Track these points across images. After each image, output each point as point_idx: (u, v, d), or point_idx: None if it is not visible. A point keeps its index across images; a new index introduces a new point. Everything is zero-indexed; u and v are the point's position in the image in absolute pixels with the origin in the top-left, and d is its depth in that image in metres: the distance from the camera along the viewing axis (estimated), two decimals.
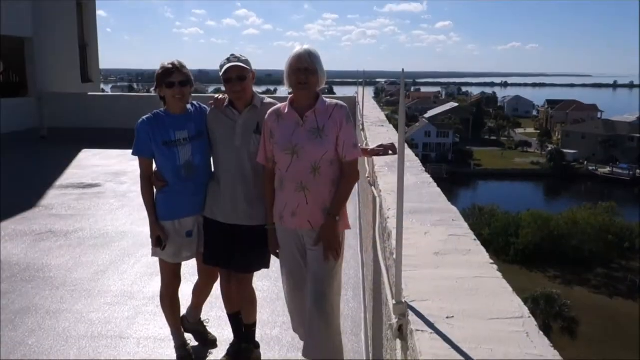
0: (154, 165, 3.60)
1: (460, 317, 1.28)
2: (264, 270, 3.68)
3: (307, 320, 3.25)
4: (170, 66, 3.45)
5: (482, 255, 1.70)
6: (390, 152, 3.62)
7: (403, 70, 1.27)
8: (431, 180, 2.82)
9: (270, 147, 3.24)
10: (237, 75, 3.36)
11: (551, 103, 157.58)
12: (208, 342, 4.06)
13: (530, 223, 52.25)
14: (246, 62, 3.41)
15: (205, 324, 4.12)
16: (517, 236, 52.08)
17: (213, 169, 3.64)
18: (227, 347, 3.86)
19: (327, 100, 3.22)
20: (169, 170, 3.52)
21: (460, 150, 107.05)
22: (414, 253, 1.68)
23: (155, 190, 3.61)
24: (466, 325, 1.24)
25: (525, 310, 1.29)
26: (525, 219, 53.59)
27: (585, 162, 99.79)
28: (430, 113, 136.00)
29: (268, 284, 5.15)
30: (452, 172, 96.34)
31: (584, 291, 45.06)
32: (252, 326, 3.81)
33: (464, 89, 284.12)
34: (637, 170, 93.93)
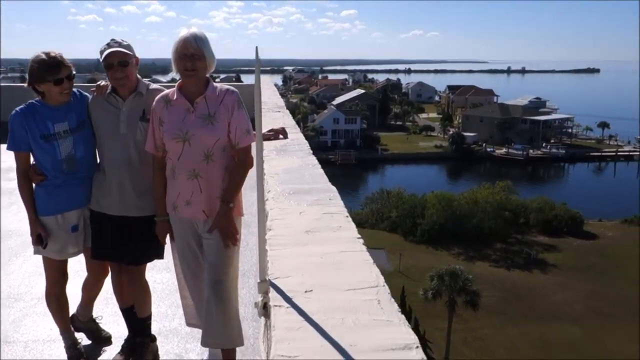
0: (32, 159, 3.40)
1: (318, 290, 1.32)
2: (163, 262, 3.60)
3: (204, 309, 3.22)
4: (54, 59, 3.23)
5: (351, 231, 1.75)
6: (281, 136, 3.64)
7: (257, 48, 1.27)
8: (316, 162, 2.87)
9: (160, 135, 3.15)
10: (119, 61, 3.24)
11: (452, 88, 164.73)
12: (102, 339, 3.92)
13: (435, 204, 54.61)
14: (128, 47, 3.29)
15: (97, 321, 3.97)
16: (423, 217, 54.27)
17: (98, 160, 3.49)
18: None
19: (218, 85, 3.17)
20: (48, 164, 3.33)
21: (368, 136, 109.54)
22: (287, 232, 1.71)
23: (34, 184, 3.42)
24: (323, 297, 1.28)
25: (381, 280, 1.34)
26: (430, 200, 55.93)
27: (484, 144, 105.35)
28: (338, 100, 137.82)
29: (168, 275, 5.02)
30: (360, 157, 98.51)
31: (485, 265, 47.79)
32: (147, 319, 3.71)
33: (369, 76, 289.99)
34: (530, 151, 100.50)
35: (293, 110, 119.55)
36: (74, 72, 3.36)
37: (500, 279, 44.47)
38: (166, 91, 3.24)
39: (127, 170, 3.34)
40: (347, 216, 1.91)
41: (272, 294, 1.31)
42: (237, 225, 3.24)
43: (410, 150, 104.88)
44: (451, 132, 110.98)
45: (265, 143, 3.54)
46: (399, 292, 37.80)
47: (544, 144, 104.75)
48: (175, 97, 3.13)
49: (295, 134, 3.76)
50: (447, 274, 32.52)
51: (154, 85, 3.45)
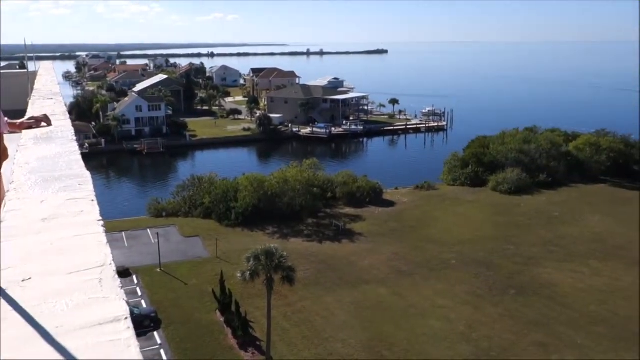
0: None
1: (38, 277, 1.25)
2: None
3: None
4: None
5: (93, 214, 1.69)
6: (43, 123, 3.37)
7: None
8: (76, 149, 2.71)
9: None
10: None
11: (255, 71, 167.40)
12: None
13: (247, 186, 55.27)
14: None
15: None
16: (237, 200, 54.64)
17: None
18: None
19: None
20: None
21: (175, 123, 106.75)
22: (20, 223, 1.60)
23: None
24: (41, 285, 1.22)
25: (109, 259, 1.32)
26: (242, 183, 56.47)
27: (290, 125, 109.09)
28: (140, 86, 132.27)
29: None
30: (168, 145, 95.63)
31: (299, 241, 49.85)
32: None
33: (172, 60, 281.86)
34: (332, 128, 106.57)
35: (91, 99, 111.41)
36: None
37: (314, 252, 46.80)
38: None
39: None
40: (92, 200, 1.83)
41: None
42: None
43: (219, 135, 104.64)
44: (258, 115, 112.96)
45: (25, 132, 3.25)
46: (217, 278, 37.79)
47: (344, 122, 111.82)
48: None
49: (63, 121, 3.50)
50: (263, 254, 33.14)
51: None
